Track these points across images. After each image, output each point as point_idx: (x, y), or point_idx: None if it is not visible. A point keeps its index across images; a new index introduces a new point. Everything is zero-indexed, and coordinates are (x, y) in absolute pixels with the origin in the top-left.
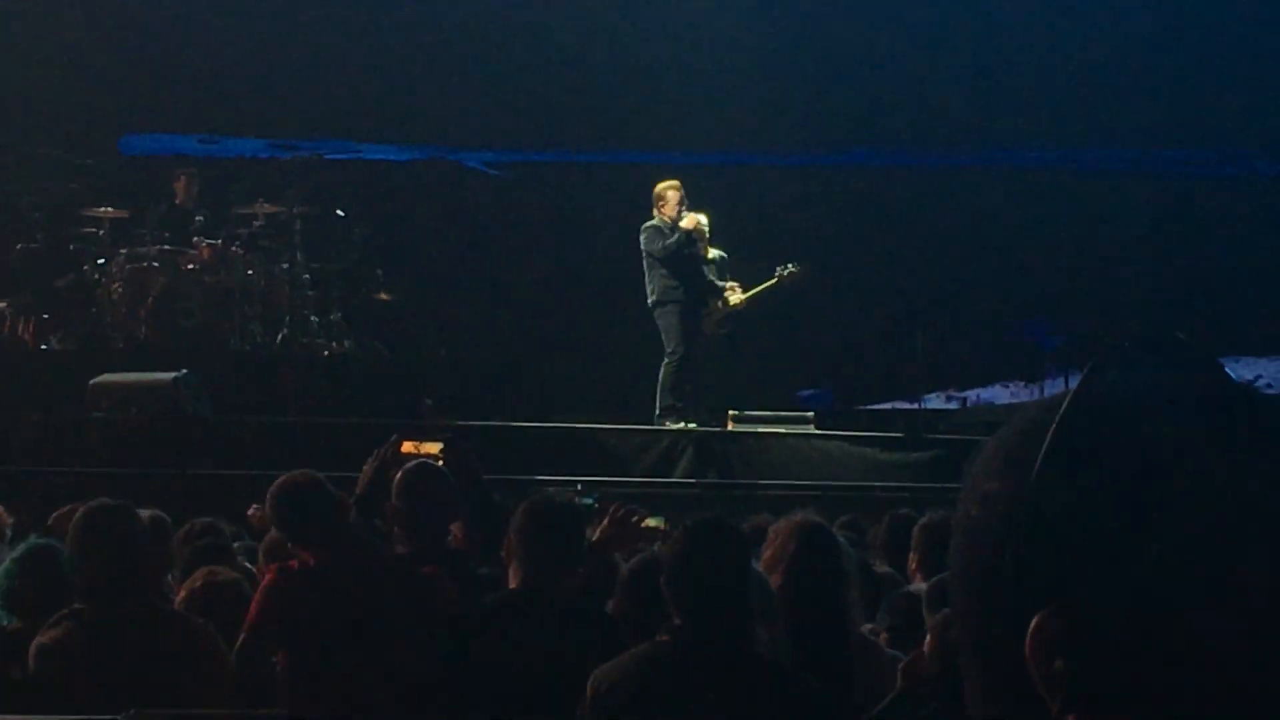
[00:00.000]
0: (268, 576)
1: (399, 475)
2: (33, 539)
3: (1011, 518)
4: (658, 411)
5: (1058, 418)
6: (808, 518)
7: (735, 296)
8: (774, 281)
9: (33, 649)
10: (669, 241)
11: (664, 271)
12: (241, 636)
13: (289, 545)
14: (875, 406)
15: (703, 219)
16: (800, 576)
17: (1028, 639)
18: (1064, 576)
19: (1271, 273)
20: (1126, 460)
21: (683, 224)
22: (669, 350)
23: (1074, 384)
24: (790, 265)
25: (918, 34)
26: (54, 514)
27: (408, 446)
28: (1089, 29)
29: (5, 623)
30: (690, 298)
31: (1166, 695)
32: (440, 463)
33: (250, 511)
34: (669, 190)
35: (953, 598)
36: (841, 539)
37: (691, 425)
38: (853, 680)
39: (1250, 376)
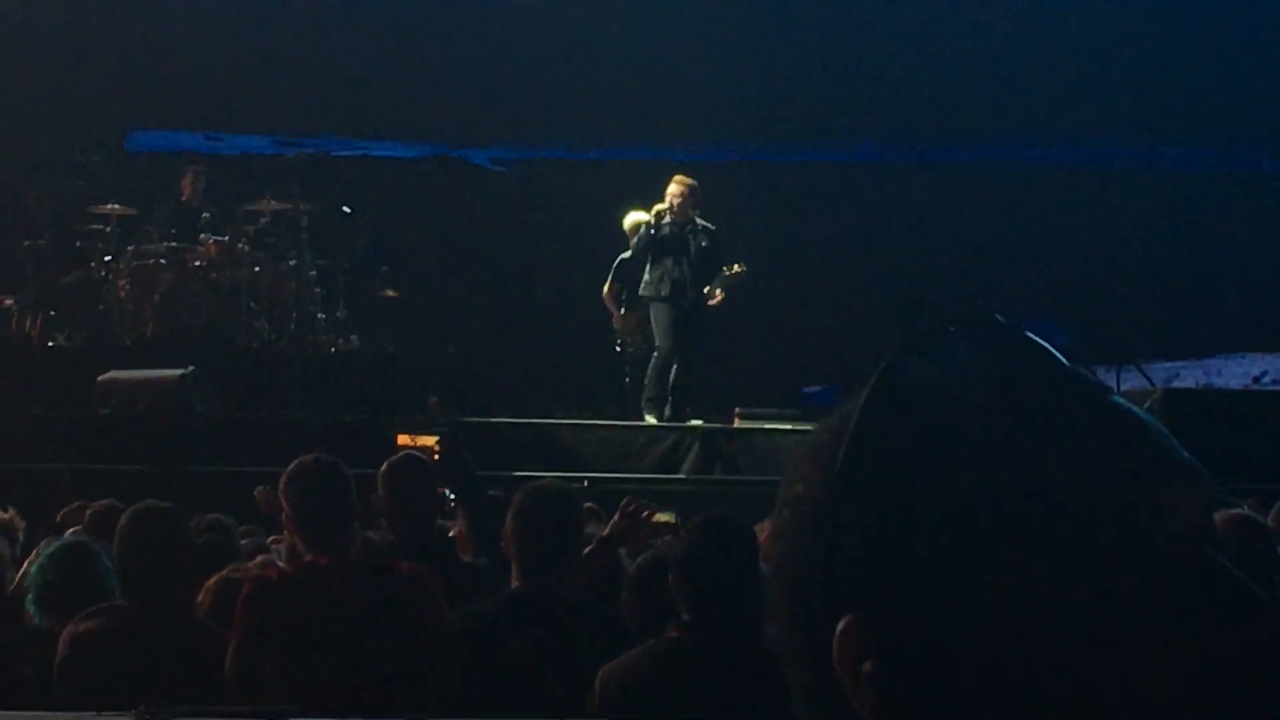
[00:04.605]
0: (245, 588)
1: (384, 467)
2: (67, 537)
3: (816, 519)
4: (641, 403)
5: (854, 413)
6: None
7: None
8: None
9: (64, 636)
10: (637, 239)
11: (643, 267)
12: (229, 655)
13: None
14: None
15: (644, 216)
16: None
17: (835, 643)
18: (868, 579)
19: (1275, 269)
20: (926, 454)
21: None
22: (656, 346)
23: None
24: (736, 264)
25: (928, 30)
26: (62, 510)
27: (403, 439)
28: (1098, 24)
29: (39, 621)
30: (666, 295)
31: (972, 698)
32: (436, 456)
33: (257, 492)
34: (669, 184)
35: (775, 604)
36: None
37: (696, 422)
38: None
39: (1256, 373)
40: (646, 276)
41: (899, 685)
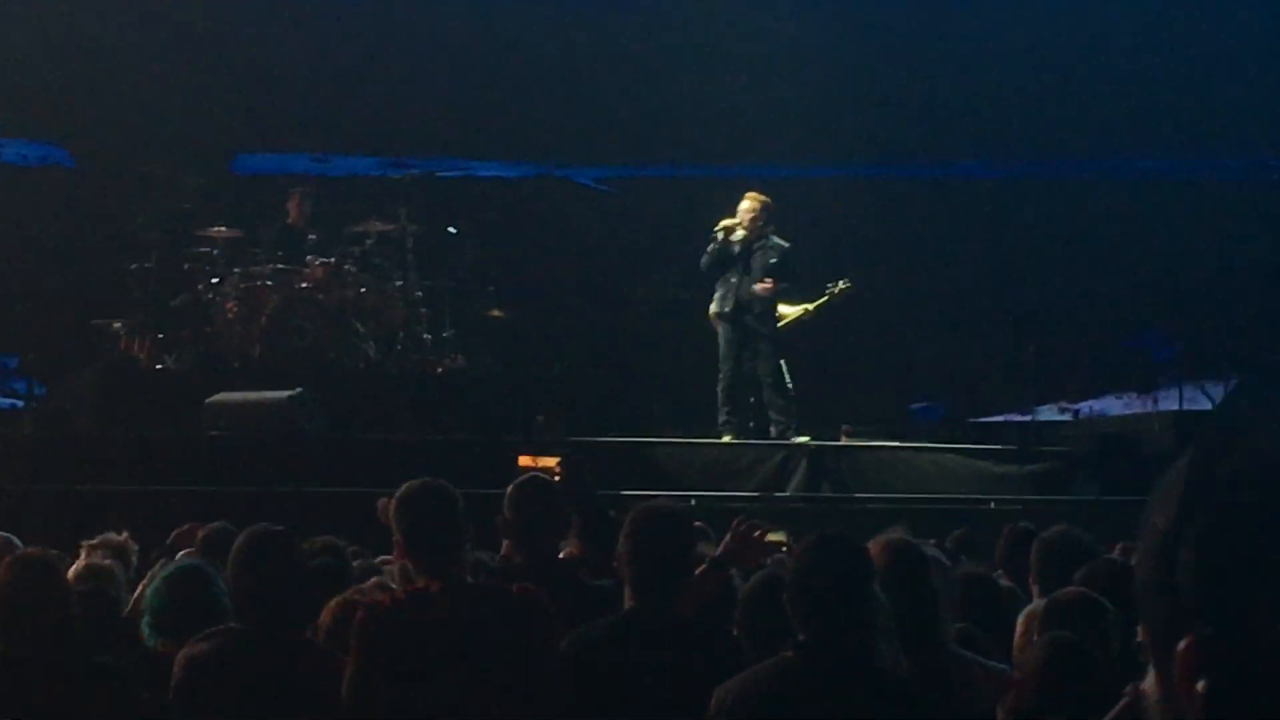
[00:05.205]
0: (359, 613)
1: (510, 488)
2: (182, 559)
3: (1163, 548)
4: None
5: (1191, 450)
6: (897, 536)
7: (792, 312)
8: (825, 299)
9: (179, 658)
10: (703, 256)
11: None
12: (345, 679)
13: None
14: (988, 419)
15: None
16: (891, 595)
17: (1175, 661)
18: (1204, 603)
19: None
20: (1257, 492)
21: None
22: (719, 366)
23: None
24: (841, 281)
25: (1035, 45)
26: (173, 533)
27: (525, 460)
28: (1218, 36)
29: (154, 644)
30: (728, 312)
31: None
32: (557, 477)
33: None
34: (741, 200)
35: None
36: (931, 555)
37: (803, 439)
38: (950, 696)
39: None
40: (715, 294)
41: (1228, 703)
